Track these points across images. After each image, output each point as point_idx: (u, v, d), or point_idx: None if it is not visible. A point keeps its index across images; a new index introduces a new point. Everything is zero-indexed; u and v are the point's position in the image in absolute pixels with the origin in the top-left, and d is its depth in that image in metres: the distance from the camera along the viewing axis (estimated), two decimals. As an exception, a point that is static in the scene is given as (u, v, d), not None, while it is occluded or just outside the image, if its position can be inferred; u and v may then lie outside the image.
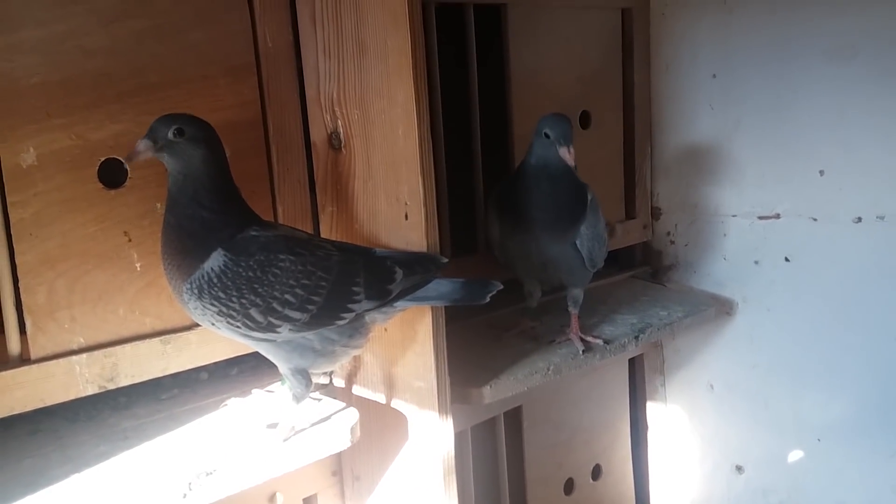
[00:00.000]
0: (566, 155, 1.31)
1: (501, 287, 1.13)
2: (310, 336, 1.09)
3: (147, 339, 1.17)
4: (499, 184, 1.48)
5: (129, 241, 1.15)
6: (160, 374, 1.19)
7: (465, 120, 1.56)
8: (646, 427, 2.00)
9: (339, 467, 1.39)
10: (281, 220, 1.28)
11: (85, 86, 1.10)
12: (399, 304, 1.12)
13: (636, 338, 1.55)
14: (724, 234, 1.81)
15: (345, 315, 1.09)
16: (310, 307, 1.06)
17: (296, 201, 1.30)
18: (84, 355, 1.11)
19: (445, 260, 1.15)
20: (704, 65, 1.78)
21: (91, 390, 1.12)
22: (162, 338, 1.18)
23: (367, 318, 1.13)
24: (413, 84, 1.12)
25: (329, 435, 1.15)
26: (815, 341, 1.69)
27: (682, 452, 1.96)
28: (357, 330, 1.13)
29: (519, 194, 1.40)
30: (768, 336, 1.77)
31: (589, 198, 1.42)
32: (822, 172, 1.63)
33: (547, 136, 1.34)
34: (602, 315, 1.64)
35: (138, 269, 1.17)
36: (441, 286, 1.13)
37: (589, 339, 1.49)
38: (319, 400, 1.24)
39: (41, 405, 1.08)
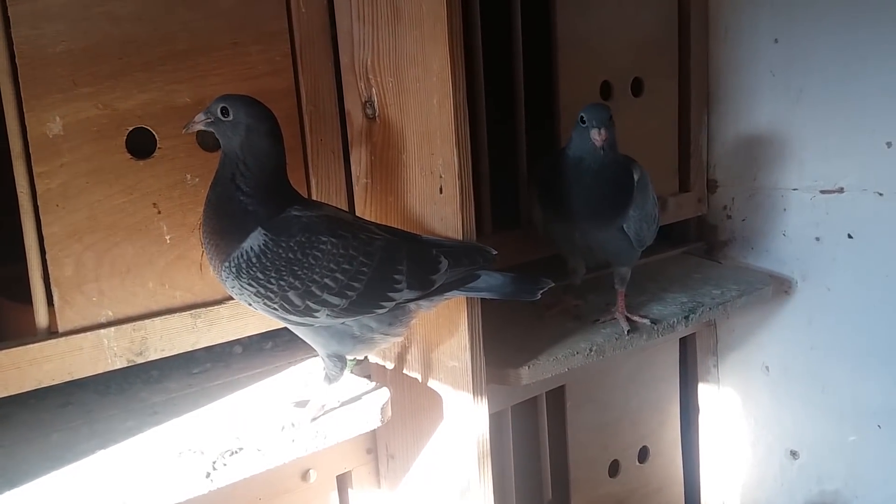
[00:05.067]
0: (595, 136, 1.25)
1: (553, 285, 1.11)
2: (349, 322, 1.06)
3: (177, 313, 1.15)
4: (541, 161, 1.42)
5: (159, 212, 1.13)
6: (190, 349, 1.17)
7: (509, 89, 1.50)
8: (697, 409, 1.93)
9: (374, 445, 1.36)
10: (314, 193, 1.24)
11: (112, 53, 1.07)
12: (447, 294, 1.09)
13: (686, 318, 1.48)
14: (784, 209, 1.72)
15: (385, 304, 1.05)
16: (349, 293, 1.02)
17: (329, 172, 1.26)
18: (112, 329, 1.10)
19: (495, 252, 1.11)
20: (766, 29, 1.68)
21: (119, 364, 1.11)
22: (192, 311, 1.16)
23: (411, 306, 1.09)
24: (449, 51, 1.07)
25: (359, 414, 1.12)
26: (878, 323, 1.60)
27: (733, 436, 1.89)
28: (397, 318, 1.09)
29: (560, 184, 1.33)
30: (828, 316, 1.68)
31: (636, 178, 1.35)
32: (889, 145, 1.53)
33: (583, 120, 1.28)
34: (651, 293, 1.58)
35: (168, 241, 1.14)
36: (491, 279, 1.10)
37: (635, 318, 1.43)
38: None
39: (69, 378, 1.07)
